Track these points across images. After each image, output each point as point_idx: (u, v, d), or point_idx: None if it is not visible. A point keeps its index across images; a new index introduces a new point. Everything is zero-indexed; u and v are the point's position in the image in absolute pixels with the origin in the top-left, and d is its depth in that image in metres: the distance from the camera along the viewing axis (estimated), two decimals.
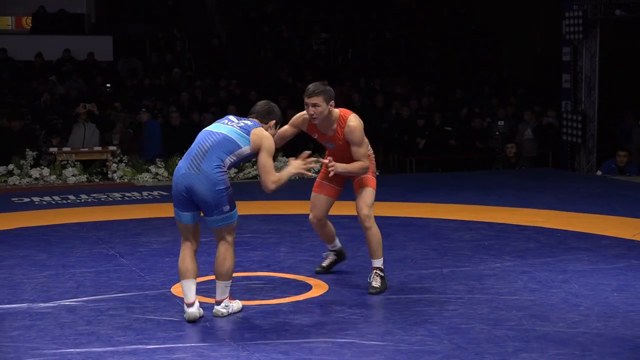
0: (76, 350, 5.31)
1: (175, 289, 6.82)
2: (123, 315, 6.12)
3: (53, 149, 14.90)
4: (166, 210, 10.91)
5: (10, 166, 14.32)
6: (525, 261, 7.78)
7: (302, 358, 5.16)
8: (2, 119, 16.00)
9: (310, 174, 6.29)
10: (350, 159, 6.68)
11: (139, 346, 5.38)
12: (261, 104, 6.36)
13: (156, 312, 6.18)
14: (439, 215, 10.27)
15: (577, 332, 5.70)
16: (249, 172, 14.49)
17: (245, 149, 6.00)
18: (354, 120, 6.63)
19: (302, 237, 8.94)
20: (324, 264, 7.34)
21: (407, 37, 22.30)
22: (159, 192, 12.60)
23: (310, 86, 6.68)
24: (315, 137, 6.88)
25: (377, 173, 7.09)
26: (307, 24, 22.60)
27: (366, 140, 6.71)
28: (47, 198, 12.11)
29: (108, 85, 18.84)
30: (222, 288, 6.07)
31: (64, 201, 11.87)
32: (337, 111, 6.69)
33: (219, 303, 6.07)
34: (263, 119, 6.22)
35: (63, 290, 6.82)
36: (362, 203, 6.75)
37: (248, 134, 6.00)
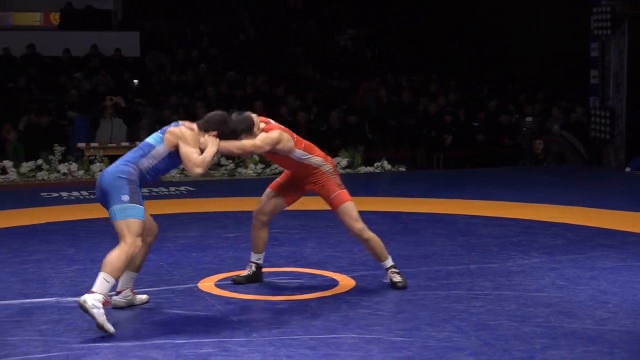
0: (104, 344, 5.34)
1: (203, 284, 6.83)
2: (151, 309, 6.14)
3: (81, 145, 14.98)
4: (193, 205, 10.96)
5: (39, 161, 14.40)
6: (553, 258, 7.74)
7: (329, 353, 5.16)
8: (31, 114, 16.10)
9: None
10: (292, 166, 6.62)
11: (167, 340, 5.40)
12: (215, 114, 6.17)
13: (183, 307, 6.19)
14: (466, 212, 10.24)
15: (605, 329, 5.66)
16: (276, 168, 14.50)
17: (160, 148, 5.89)
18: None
19: (329, 233, 8.93)
20: (243, 274, 6.95)
21: (433, 34, 22.24)
22: (186, 187, 12.63)
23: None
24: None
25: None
26: (334, 20, 22.59)
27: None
28: (75, 193, 12.17)
29: (135, 81, 18.92)
30: (101, 280, 5.61)
31: (92, 196, 11.91)
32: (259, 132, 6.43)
33: (90, 292, 5.57)
34: (205, 129, 6.04)
35: (91, 284, 6.82)
36: (349, 220, 6.58)
37: (163, 132, 5.95)
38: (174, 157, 5.95)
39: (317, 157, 6.56)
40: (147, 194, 11.65)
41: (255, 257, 6.91)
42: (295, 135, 6.51)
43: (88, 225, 9.49)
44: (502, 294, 6.51)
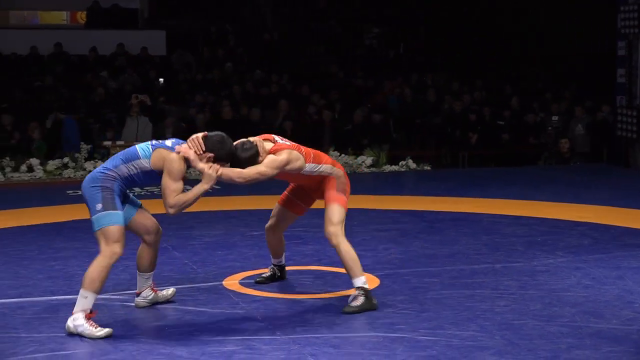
0: (129, 341, 5.36)
1: (227, 282, 6.86)
2: (175, 307, 6.17)
3: (107, 143, 15.05)
4: (219, 203, 10.98)
5: (65, 159, 14.49)
6: (578, 257, 7.70)
7: (353, 352, 5.16)
8: (57, 112, 16.20)
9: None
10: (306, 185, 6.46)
11: (191, 338, 5.42)
12: (213, 135, 5.89)
13: (208, 305, 6.22)
14: (491, 211, 10.21)
15: (632, 329, 5.63)
16: None
17: (144, 162, 5.75)
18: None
19: (353, 232, 8.90)
20: (265, 274, 6.94)
21: (458, 32, 22.18)
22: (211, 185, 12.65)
23: None
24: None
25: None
26: (359, 19, 22.58)
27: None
28: None
29: (160, 80, 18.98)
30: (80, 297, 5.63)
31: None
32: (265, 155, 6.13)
33: (71, 315, 5.61)
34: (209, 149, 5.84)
35: (117, 282, 6.89)
36: (326, 220, 6.21)
37: (154, 149, 5.79)
38: (154, 176, 5.82)
39: (325, 166, 6.30)
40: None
41: (275, 261, 6.92)
42: (303, 149, 6.23)
43: None
44: (527, 294, 6.49)
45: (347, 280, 6.84)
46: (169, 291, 6.35)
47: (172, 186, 5.70)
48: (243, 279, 6.98)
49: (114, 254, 5.68)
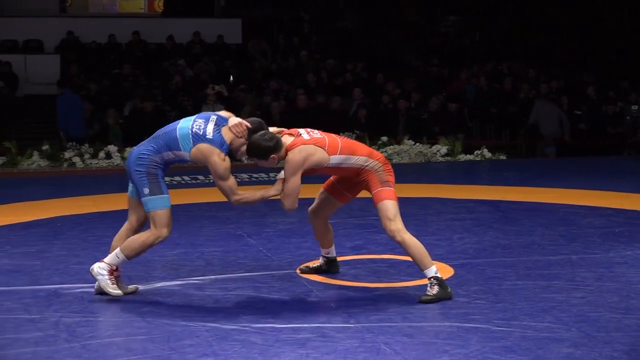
0: (204, 326, 5.42)
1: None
2: (250, 294, 6.21)
3: None
4: None
5: None
6: None
7: (427, 342, 5.15)
8: (135, 99, 16.42)
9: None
10: (347, 178, 6.33)
11: (266, 325, 5.45)
12: (256, 122, 6.03)
13: (282, 292, 6.25)
14: (567, 201, 10.09)
15: None
16: None
17: (184, 154, 5.89)
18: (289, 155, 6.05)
19: (427, 221, 8.90)
20: (311, 265, 6.88)
21: (535, 20, 21.93)
22: None
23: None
24: None
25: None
26: (435, 6, 22.45)
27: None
28: (177, 178, 12.38)
29: (231, 77, 19.04)
30: (114, 253, 6.05)
31: (194, 181, 12.11)
32: (283, 150, 6.07)
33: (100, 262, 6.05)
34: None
35: (192, 268, 6.97)
36: (383, 219, 6.07)
37: (194, 142, 5.84)
38: (188, 161, 6.00)
39: (359, 157, 6.11)
40: (248, 179, 11.81)
41: (324, 252, 6.82)
42: (326, 141, 6.06)
43: (188, 210, 9.66)
44: (604, 285, 6.40)
45: (420, 270, 6.82)
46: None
47: (227, 185, 5.87)
48: None
49: (159, 237, 5.98)
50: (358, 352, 4.95)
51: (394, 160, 14.68)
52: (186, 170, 13.32)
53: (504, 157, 15.39)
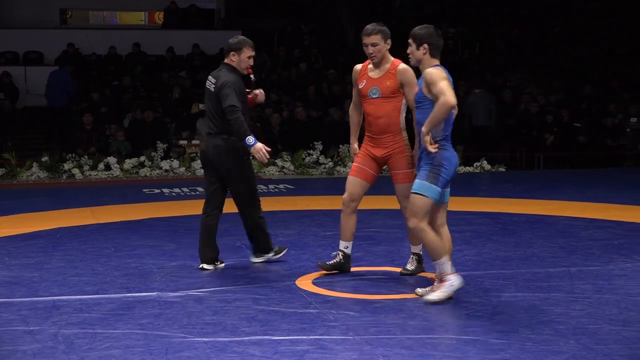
0: (203, 339, 5.41)
1: (300, 282, 6.88)
2: (249, 306, 6.21)
3: (183, 142, 15.22)
4: (292, 203, 11.03)
5: (142, 158, 14.70)
6: None
7: (426, 354, 5.14)
8: (136, 110, 16.44)
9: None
10: (386, 116, 6.79)
11: (264, 337, 5.45)
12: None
13: (281, 304, 6.24)
14: (567, 213, 10.09)
15: None
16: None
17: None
18: (406, 65, 6.82)
19: None
20: (329, 262, 7.10)
21: (536, 32, 21.97)
22: (285, 185, 12.72)
23: (369, 26, 6.87)
24: (361, 86, 6.91)
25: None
26: (435, 19, 22.48)
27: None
28: (176, 189, 12.37)
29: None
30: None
31: (193, 193, 12.11)
32: (391, 57, 6.97)
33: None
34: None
35: (191, 280, 6.96)
36: (408, 214, 6.43)
37: None
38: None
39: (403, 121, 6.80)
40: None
41: (343, 245, 7.01)
42: None
43: (187, 222, 9.64)
44: (603, 298, 6.39)
45: (420, 281, 6.84)
46: None
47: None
48: (316, 278, 7.00)
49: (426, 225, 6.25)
50: None
51: None
52: (185, 182, 13.33)
53: (504, 169, 15.39)
